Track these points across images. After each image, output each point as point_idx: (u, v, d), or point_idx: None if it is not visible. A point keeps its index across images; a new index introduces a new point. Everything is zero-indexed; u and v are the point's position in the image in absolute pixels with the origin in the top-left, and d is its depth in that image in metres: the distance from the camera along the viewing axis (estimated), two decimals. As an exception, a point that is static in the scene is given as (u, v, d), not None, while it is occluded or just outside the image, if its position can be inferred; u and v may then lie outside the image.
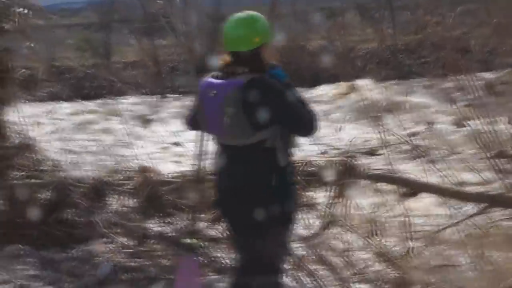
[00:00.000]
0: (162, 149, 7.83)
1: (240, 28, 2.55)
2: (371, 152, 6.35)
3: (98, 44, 19.47)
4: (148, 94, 14.98)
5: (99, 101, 13.28)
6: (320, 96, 11.68)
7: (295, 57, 14.16)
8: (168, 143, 8.13)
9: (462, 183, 5.17)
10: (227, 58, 2.61)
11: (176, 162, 6.58)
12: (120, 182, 4.04)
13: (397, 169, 3.70)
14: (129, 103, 13.12)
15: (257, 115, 2.44)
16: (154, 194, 3.77)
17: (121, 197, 3.89)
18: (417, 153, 5.81)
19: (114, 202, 4.13)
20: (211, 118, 2.57)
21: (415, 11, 17.79)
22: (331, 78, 13.31)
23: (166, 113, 11.52)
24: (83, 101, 13.45)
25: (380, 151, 6.18)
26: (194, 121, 2.77)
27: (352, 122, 8.87)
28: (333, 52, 15.38)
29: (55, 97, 14.98)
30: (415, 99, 9.62)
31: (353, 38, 16.80)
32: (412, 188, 3.22)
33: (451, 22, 16.65)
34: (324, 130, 7.36)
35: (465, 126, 5.18)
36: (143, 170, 3.87)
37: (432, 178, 3.94)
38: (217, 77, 2.60)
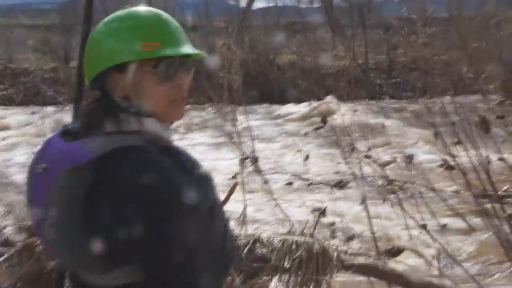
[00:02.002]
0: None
1: (102, 40, 1.34)
2: (340, 185, 5.66)
3: (58, 47, 18.53)
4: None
5: (54, 107, 12.15)
6: (287, 115, 11.00)
7: (263, 71, 13.50)
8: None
9: (444, 230, 4.53)
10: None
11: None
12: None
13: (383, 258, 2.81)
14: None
15: (116, 234, 1.11)
16: (38, 270, 2.36)
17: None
18: (392, 188, 5.16)
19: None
20: (38, 215, 1.23)
21: (387, 30, 17.41)
22: (301, 95, 12.69)
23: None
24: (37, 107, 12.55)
25: (350, 184, 5.54)
26: None
27: (320, 148, 8.15)
28: (302, 69, 14.78)
29: (7, 101, 14.19)
30: (390, 123, 8.93)
31: (323, 55, 16.26)
32: (406, 286, 2.39)
33: (422, 43, 16.34)
34: (289, 157, 6.66)
35: (448, 161, 4.51)
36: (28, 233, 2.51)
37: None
38: (70, 134, 1.28)
